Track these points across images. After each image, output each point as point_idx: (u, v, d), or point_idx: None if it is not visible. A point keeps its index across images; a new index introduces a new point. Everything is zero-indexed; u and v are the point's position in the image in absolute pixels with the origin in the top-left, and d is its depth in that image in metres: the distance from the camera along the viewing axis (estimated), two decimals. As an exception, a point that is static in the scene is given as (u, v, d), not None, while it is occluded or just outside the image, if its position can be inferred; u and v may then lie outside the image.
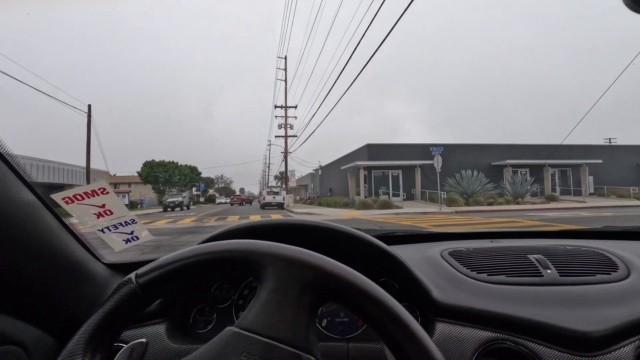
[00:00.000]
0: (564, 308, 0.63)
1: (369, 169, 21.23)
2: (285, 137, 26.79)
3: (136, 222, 0.68)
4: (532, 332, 0.59)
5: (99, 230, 0.64)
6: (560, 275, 0.71)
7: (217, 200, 55.95)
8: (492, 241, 1.01)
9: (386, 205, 16.34)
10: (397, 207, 15.83)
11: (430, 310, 0.68)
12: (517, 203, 17.22)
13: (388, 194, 20.54)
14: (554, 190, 22.41)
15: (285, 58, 27.59)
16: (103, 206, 0.62)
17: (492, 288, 0.68)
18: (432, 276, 0.73)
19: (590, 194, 21.83)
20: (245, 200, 44.17)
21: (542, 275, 0.71)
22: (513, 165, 22.24)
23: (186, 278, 0.40)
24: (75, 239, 0.61)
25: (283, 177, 28.35)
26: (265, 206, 23.11)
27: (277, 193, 23.97)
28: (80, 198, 0.59)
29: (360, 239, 0.66)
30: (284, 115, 26.90)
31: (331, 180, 29.83)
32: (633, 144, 25.01)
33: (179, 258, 0.39)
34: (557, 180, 23.39)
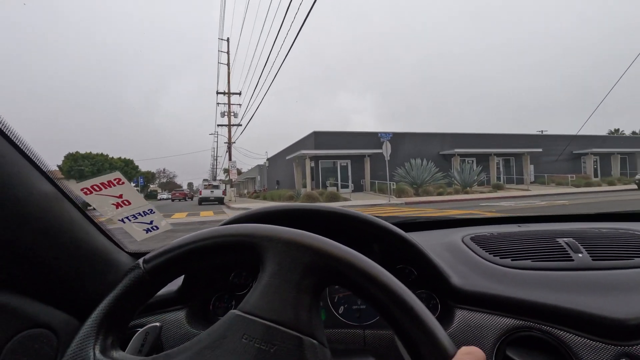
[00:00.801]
0: (597, 294, 0.59)
1: (315, 158, 19.74)
2: (229, 125, 24.50)
3: (154, 212, 0.69)
4: (561, 320, 0.56)
5: (119, 220, 0.65)
6: (593, 260, 0.67)
7: (159, 196, 52.57)
8: (519, 226, 0.98)
9: (333, 198, 15.08)
10: (345, 200, 14.67)
11: (450, 297, 0.65)
12: (466, 192, 16.84)
13: (336, 185, 19.21)
14: (499, 179, 22.68)
15: (228, 40, 25.09)
16: (120, 196, 0.63)
17: (516, 273, 0.65)
18: (452, 262, 0.71)
19: (532, 182, 22.35)
20: (187, 195, 41.07)
21: (573, 260, 0.66)
22: (461, 155, 22.07)
23: (192, 263, 0.40)
24: (98, 229, 0.62)
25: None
26: (202, 201, 20.87)
27: (216, 187, 21.81)
28: (97, 189, 0.60)
29: (378, 225, 0.64)
30: (227, 102, 24.61)
31: (278, 172, 28.01)
32: (566, 133, 26.22)
33: (183, 243, 0.40)
34: (501, 169, 23.78)
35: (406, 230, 0.66)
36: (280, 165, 27.20)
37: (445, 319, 0.64)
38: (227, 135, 24.53)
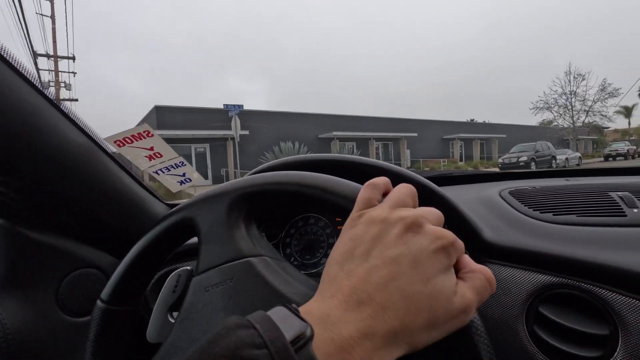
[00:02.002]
0: None
1: (159, 142, 14.85)
2: (57, 101, 17.31)
3: (185, 164, 0.69)
4: (605, 278, 0.51)
5: (154, 172, 0.66)
6: None
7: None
8: (567, 179, 0.93)
9: (175, 195, 10.79)
10: (190, 196, 10.56)
11: (481, 251, 0.62)
12: (343, 181, 14.53)
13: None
14: (378, 164, 21.51)
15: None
16: (152, 149, 0.64)
17: (556, 228, 0.60)
18: (485, 216, 0.67)
19: (408, 167, 21.87)
20: None
21: (626, 215, 0.61)
22: (340, 138, 20.07)
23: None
24: (134, 179, 0.65)
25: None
26: None
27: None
28: (129, 141, 0.61)
29: (405, 176, 0.62)
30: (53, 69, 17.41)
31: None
32: (439, 119, 27.02)
33: (222, 191, 0.43)
34: (380, 153, 22.86)
35: (440, 185, 0.64)
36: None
37: None
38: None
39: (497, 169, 17.56)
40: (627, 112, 53.94)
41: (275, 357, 0.19)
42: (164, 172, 0.66)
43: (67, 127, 0.51)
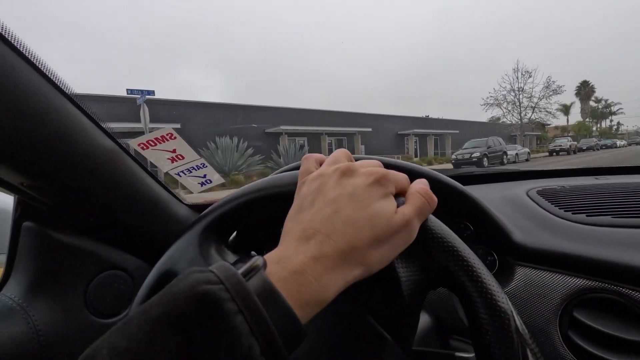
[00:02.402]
0: None
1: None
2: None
3: (207, 166, 0.71)
4: None
5: (176, 174, 0.67)
6: None
7: None
8: (597, 178, 0.89)
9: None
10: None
11: (510, 253, 0.61)
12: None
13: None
14: (331, 161, 20.24)
15: None
16: (174, 151, 0.65)
17: (591, 230, 0.58)
18: (513, 217, 0.65)
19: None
20: None
21: None
22: (289, 133, 18.51)
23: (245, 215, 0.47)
24: (157, 182, 0.65)
25: None
26: None
27: None
28: (153, 144, 0.62)
29: (430, 177, 0.59)
30: None
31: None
32: (394, 114, 26.48)
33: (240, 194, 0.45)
34: (333, 149, 21.53)
35: (464, 184, 0.61)
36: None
37: (503, 277, 0.60)
38: None
39: (451, 165, 17.09)
40: (566, 110, 58.09)
41: (228, 288, 0.21)
42: (185, 174, 0.68)
43: (93, 131, 0.52)
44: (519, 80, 29.44)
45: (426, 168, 0.60)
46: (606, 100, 62.96)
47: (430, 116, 30.16)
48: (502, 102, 29.30)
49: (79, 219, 0.56)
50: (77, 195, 0.52)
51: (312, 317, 0.24)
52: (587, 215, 0.60)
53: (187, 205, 0.72)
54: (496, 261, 0.63)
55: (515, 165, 16.43)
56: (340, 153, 0.35)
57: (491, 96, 29.62)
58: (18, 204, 0.54)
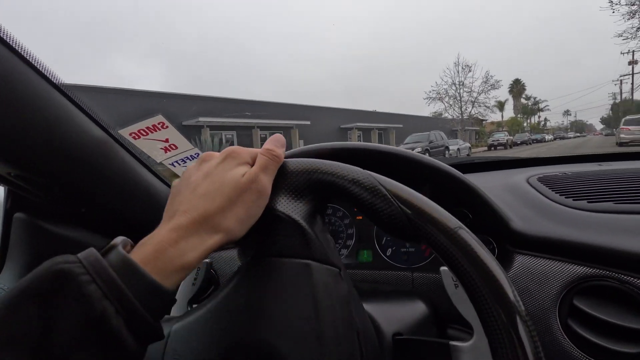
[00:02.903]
0: None
1: None
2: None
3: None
4: None
5: (170, 165, 0.65)
6: None
7: None
8: (600, 164, 0.88)
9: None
10: None
11: (509, 241, 0.60)
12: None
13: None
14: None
15: None
16: (167, 140, 0.63)
17: (592, 217, 0.57)
18: (513, 204, 0.64)
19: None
20: None
21: None
22: (212, 126, 16.03)
23: None
24: (150, 171, 0.65)
25: None
26: None
27: None
28: (144, 133, 0.60)
29: (428, 165, 0.59)
30: None
31: None
32: (334, 106, 24.91)
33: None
34: (267, 145, 19.54)
35: (463, 172, 0.60)
36: None
37: (502, 265, 0.54)
38: None
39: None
40: (501, 106, 61.49)
41: (85, 265, 0.24)
42: (180, 165, 0.65)
43: (82, 120, 0.51)
44: (460, 74, 29.43)
45: (426, 156, 0.59)
46: (535, 98, 67.84)
47: (377, 110, 29.13)
48: (444, 96, 29.16)
49: (69, 210, 0.55)
50: (67, 185, 0.51)
51: (180, 280, 0.28)
52: (588, 202, 0.59)
53: None
54: (495, 249, 0.62)
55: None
56: (208, 156, 0.36)
57: (433, 90, 29.31)
58: (8, 195, 0.54)
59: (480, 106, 29.10)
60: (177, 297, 0.41)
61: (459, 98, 28.87)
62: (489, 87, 28.97)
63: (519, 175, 0.76)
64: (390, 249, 0.71)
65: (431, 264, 0.66)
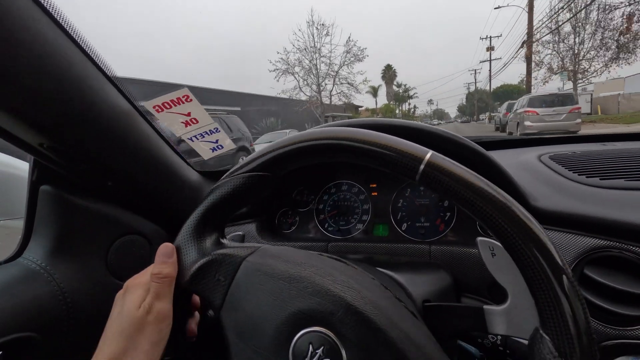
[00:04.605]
0: None
1: None
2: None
3: (219, 131, 0.68)
4: None
5: (188, 139, 0.65)
6: None
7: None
8: (604, 144, 0.90)
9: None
10: None
11: None
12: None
13: None
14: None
15: None
16: (189, 114, 0.63)
17: (605, 193, 0.60)
18: (529, 181, 0.66)
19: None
20: None
21: None
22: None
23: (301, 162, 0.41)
24: (170, 147, 0.65)
25: None
26: None
27: None
28: (168, 106, 0.61)
29: (454, 141, 0.61)
30: None
31: None
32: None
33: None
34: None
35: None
36: None
37: None
38: None
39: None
40: (374, 92, 59.50)
41: None
42: (197, 139, 0.65)
43: (112, 92, 0.50)
44: (315, 39, 20.71)
45: (452, 133, 0.61)
46: (405, 85, 69.20)
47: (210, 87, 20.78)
48: (294, 66, 20.49)
49: (96, 182, 0.55)
50: (94, 158, 0.51)
51: None
52: (600, 179, 0.62)
53: (197, 171, 0.73)
54: None
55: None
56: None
57: (281, 58, 20.11)
58: (35, 167, 0.53)
59: (342, 83, 21.53)
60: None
61: (315, 71, 20.87)
62: (352, 58, 21.23)
63: (530, 154, 0.78)
64: (405, 224, 0.74)
65: (446, 236, 0.70)
